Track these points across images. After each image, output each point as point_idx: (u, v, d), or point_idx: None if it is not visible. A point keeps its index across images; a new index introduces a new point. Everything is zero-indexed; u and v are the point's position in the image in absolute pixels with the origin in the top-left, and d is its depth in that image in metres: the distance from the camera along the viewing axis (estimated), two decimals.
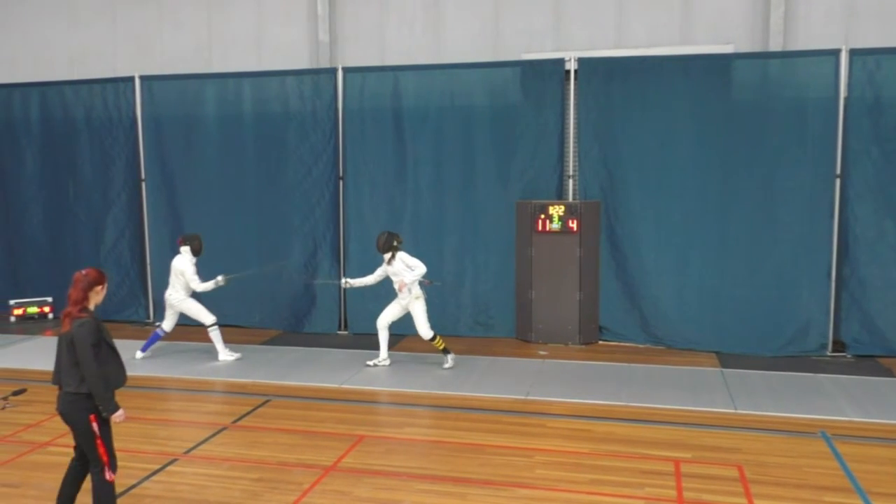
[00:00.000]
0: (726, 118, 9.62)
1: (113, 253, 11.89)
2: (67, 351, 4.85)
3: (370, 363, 9.22)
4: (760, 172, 9.53)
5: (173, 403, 7.96)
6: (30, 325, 11.75)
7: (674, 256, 9.94)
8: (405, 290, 8.89)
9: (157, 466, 6.25)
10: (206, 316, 9.53)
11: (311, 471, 6.14)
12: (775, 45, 9.87)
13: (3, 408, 7.78)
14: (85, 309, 4.93)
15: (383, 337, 9.20)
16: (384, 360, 9.23)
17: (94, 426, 4.86)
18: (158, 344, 9.80)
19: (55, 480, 5.95)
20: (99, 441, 4.87)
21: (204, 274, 9.43)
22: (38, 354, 9.89)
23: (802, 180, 9.42)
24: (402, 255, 8.85)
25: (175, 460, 6.39)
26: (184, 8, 11.96)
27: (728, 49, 10.01)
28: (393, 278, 8.97)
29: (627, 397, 7.93)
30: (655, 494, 5.69)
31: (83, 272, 5.03)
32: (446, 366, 9.05)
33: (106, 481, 4.94)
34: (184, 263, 9.30)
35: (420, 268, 8.75)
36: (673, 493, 5.71)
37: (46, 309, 12.07)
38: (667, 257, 9.96)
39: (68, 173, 11.97)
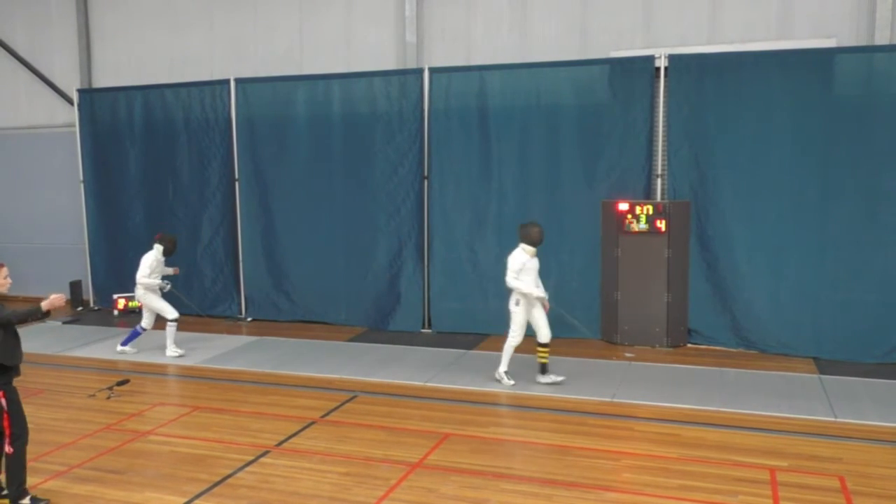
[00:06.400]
0: (827, 116, 9.22)
1: (208, 250, 12.35)
2: None
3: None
4: (863, 172, 9.10)
5: (265, 397, 8.20)
6: (131, 318, 12.32)
7: (768, 258, 9.60)
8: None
9: (251, 458, 6.45)
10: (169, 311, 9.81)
11: (397, 467, 6.22)
12: (882, 39, 9.39)
13: (109, 397, 8.19)
14: None
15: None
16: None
17: (3, 402, 5.25)
18: (254, 339, 10.10)
19: (158, 468, 6.27)
20: (6, 415, 5.26)
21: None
22: (139, 346, 10.37)
23: None
24: None
25: (267, 452, 6.59)
26: (276, 12, 12.30)
27: (830, 43, 9.58)
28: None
29: (718, 402, 7.70)
30: (749, 503, 5.51)
31: None
32: None
33: (17, 448, 5.31)
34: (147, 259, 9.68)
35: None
36: (769, 501, 5.51)
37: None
38: (761, 259, 9.63)
39: (168, 173, 12.48)
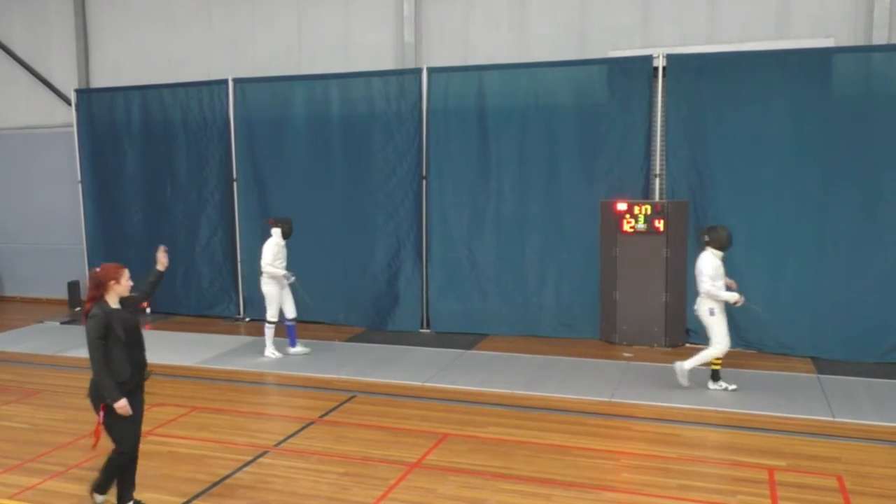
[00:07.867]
0: (825, 115, 9.22)
1: (207, 250, 12.33)
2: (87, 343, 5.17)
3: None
4: (862, 172, 9.11)
5: (264, 397, 8.20)
6: None
7: (767, 258, 9.60)
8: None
9: (249, 458, 6.45)
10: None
11: (396, 467, 6.22)
12: (879, 39, 9.41)
13: None
14: (100, 304, 5.15)
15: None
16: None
17: (101, 413, 5.15)
18: (251, 339, 10.09)
19: (158, 468, 6.26)
20: (98, 425, 5.16)
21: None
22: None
23: None
24: None
25: (266, 452, 6.58)
26: (275, 11, 12.29)
27: (828, 43, 9.60)
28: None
29: (717, 402, 7.71)
30: (748, 503, 5.51)
31: (96, 269, 5.23)
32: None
33: (113, 457, 5.25)
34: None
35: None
36: (767, 501, 5.52)
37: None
38: (759, 259, 9.63)
39: (166, 173, 12.46)
